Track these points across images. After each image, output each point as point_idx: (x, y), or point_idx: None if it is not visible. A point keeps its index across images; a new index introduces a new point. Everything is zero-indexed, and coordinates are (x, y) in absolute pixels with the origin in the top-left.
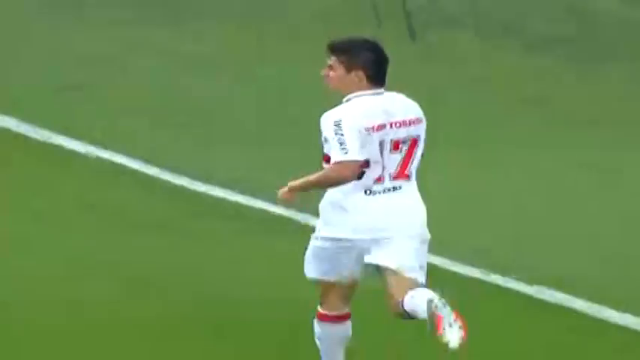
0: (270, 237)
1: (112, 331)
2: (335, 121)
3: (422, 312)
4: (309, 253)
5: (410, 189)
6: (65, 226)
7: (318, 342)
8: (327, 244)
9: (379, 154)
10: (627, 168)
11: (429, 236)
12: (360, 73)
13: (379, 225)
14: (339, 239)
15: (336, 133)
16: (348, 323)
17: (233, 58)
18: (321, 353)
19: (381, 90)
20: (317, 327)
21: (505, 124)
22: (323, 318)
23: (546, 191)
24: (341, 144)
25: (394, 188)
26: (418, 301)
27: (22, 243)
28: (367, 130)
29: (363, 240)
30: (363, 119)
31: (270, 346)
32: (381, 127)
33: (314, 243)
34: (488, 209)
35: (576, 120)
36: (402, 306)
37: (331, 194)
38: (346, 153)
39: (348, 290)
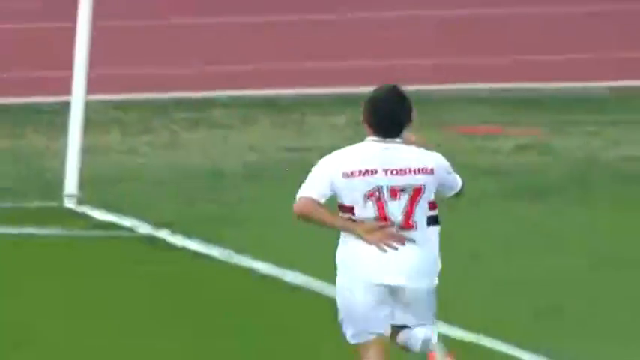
0: None
1: None
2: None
3: (415, 348)
4: None
5: (423, 245)
6: None
7: None
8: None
9: (363, 200)
10: None
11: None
12: (365, 124)
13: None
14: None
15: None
16: None
17: None
18: None
19: (388, 139)
20: None
21: None
22: None
23: None
24: (305, 182)
25: (407, 240)
26: (413, 340)
27: None
28: (345, 175)
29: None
30: (341, 164)
31: None
32: (368, 172)
33: None
34: None
35: None
36: (396, 340)
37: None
38: (301, 190)
39: None
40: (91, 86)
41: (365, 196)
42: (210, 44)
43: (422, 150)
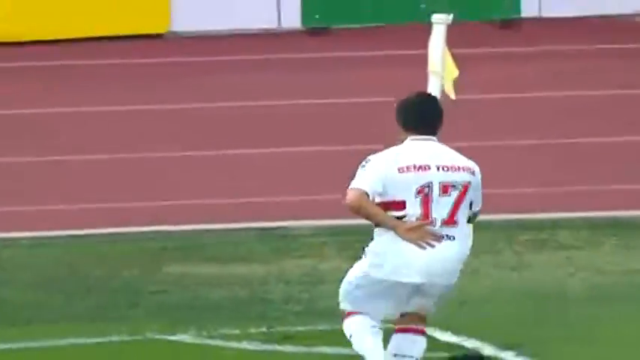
0: None
1: None
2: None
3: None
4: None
5: (460, 240)
6: None
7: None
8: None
9: (414, 195)
10: None
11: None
12: (403, 127)
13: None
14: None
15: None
16: None
17: None
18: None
19: (425, 137)
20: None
21: None
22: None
23: None
24: (358, 176)
25: (447, 237)
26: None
27: None
28: (400, 169)
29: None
30: (397, 160)
31: None
32: (422, 167)
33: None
34: None
35: None
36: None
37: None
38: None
39: None
40: None
41: (416, 191)
42: (547, 165)
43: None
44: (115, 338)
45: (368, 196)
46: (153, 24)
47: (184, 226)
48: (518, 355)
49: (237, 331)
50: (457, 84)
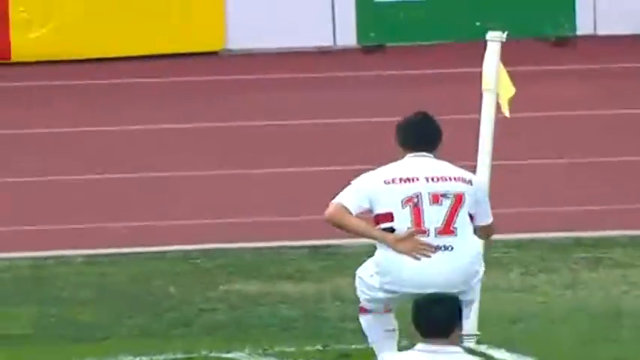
0: None
1: None
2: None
3: None
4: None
5: (460, 250)
6: None
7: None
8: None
9: (400, 205)
10: None
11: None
12: (401, 147)
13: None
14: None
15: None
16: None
17: None
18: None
19: (421, 153)
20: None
21: None
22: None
23: None
24: (342, 192)
25: (444, 247)
26: None
27: None
28: (386, 182)
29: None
30: (383, 174)
31: None
32: (409, 179)
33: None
34: None
35: None
36: None
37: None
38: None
39: None
40: None
41: (402, 201)
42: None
43: (457, 167)
44: (170, 356)
45: (349, 211)
46: (208, 42)
47: (235, 244)
48: None
49: (292, 349)
50: (512, 102)
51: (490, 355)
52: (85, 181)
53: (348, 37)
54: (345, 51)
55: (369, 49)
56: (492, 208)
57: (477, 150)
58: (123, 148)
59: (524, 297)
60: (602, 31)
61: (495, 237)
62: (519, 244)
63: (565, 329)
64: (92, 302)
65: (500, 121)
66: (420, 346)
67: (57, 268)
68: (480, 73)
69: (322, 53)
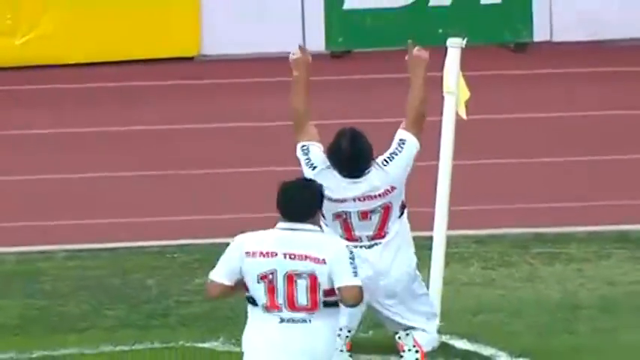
0: None
1: None
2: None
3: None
4: None
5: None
6: None
7: None
8: None
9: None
10: None
11: None
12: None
13: None
14: None
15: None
16: None
17: None
18: None
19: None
20: None
21: None
22: None
23: None
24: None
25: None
26: None
27: None
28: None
29: None
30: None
31: None
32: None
33: None
34: None
35: None
36: None
37: None
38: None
39: None
40: (453, 222)
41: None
42: (552, 182)
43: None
44: (148, 345)
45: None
46: (185, 48)
47: (210, 240)
48: None
49: None
50: (469, 105)
51: (452, 346)
52: (66, 180)
53: (317, 42)
54: (314, 56)
55: (337, 54)
56: (454, 205)
57: (439, 149)
58: (105, 147)
59: (485, 290)
60: (557, 38)
61: (457, 232)
62: (479, 240)
63: (523, 321)
64: (74, 295)
65: (461, 122)
66: (280, 224)
67: (40, 262)
68: (442, 78)
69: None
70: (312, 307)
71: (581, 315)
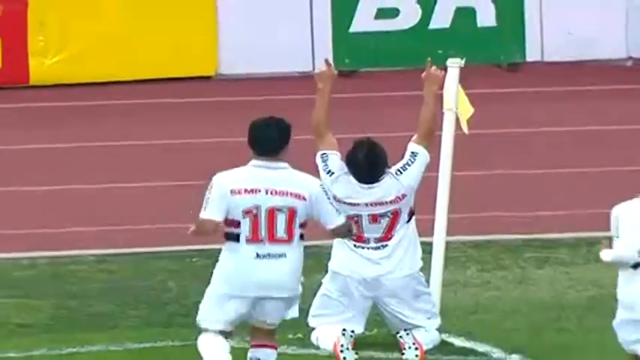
0: None
1: None
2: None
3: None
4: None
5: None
6: None
7: None
8: None
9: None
10: None
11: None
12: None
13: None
14: None
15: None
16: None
17: None
18: None
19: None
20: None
21: None
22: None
23: None
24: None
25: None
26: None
27: None
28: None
29: None
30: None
31: None
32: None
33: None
34: None
35: None
36: None
37: None
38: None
39: None
40: (452, 228)
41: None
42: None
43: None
44: (169, 343)
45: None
46: (203, 67)
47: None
48: (523, 359)
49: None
50: (471, 120)
51: (450, 343)
52: (93, 190)
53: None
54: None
55: (344, 73)
56: (452, 212)
57: (439, 162)
58: (133, 160)
59: (481, 291)
60: (548, 58)
61: (455, 238)
62: (476, 245)
63: (516, 319)
64: (101, 296)
65: (460, 136)
66: (254, 161)
67: (72, 266)
68: (442, 95)
69: (303, 77)
70: (288, 239)
71: (569, 314)
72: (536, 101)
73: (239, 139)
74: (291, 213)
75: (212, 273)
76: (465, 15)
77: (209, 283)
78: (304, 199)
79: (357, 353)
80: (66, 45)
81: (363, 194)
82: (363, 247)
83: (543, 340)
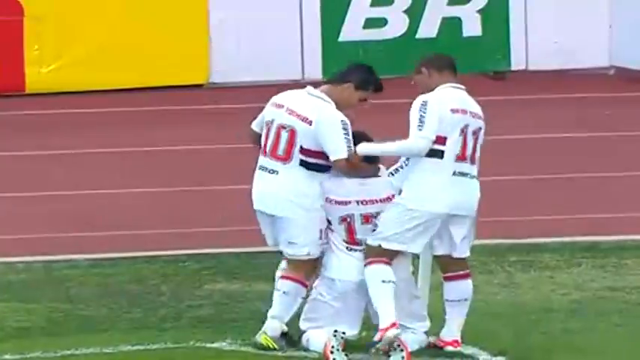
0: None
1: None
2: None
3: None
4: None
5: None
6: None
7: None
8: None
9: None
10: None
11: None
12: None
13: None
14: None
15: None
16: None
17: None
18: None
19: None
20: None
21: None
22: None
23: None
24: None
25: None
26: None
27: None
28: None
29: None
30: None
31: None
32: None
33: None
34: None
35: None
36: None
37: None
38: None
39: None
40: None
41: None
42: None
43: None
44: (162, 345)
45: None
46: (195, 76)
47: (219, 249)
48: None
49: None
50: None
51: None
52: (88, 196)
53: (314, 71)
54: (312, 84)
55: None
56: None
57: None
58: (124, 166)
59: None
60: (532, 67)
61: None
62: None
63: (502, 323)
64: (95, 300)
65: None
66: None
67: (66, 270)
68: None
69: (293, 85)
70: (285, 158)
71: (553, 317)
72: (520, 109)
73: (230, 145)
74: (292, 133)
75: (203, 276)
76: (451, 25)
77: (201, 286)
78: (309, 123)
79: (347, 355)
80: (62, 54)
81: (354, 191)
82: (356, 250)
83: (528, 343)
